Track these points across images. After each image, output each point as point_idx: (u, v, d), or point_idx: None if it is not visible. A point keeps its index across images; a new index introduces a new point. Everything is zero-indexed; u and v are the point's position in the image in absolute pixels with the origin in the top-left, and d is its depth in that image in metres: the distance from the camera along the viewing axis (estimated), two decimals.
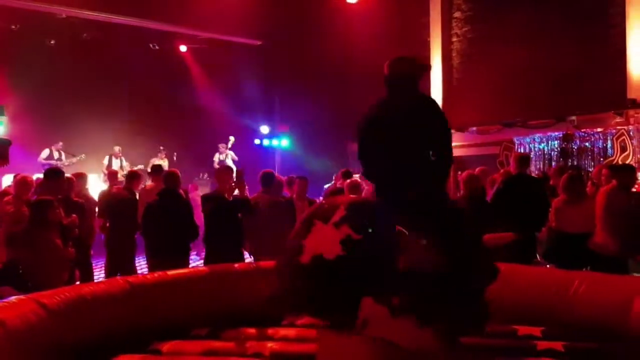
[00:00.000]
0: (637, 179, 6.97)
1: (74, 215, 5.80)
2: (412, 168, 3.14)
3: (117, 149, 14.08)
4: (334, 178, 11.37)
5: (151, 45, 16.19)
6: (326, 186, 8.37)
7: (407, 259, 2.78)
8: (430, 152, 3.21)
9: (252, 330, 4.66)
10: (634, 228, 5.94)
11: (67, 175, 7.01)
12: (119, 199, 7.42)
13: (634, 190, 7.15)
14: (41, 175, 7.18)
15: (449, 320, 2.79)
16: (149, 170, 10.12)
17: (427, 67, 3.59)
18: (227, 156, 15.21)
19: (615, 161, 10.43)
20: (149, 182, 8.96)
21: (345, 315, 2.78)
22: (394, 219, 2.92)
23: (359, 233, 2.82)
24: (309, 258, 2.85)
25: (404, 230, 2.86)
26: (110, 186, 8.33)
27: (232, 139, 15.98)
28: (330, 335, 3.03)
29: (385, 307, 2.72)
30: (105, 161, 13.75)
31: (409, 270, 2.77)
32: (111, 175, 8.95)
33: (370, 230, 2.82)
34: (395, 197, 3.10)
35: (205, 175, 14.72)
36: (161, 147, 14.79)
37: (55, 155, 13.40)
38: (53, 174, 6.49)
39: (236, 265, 5.63)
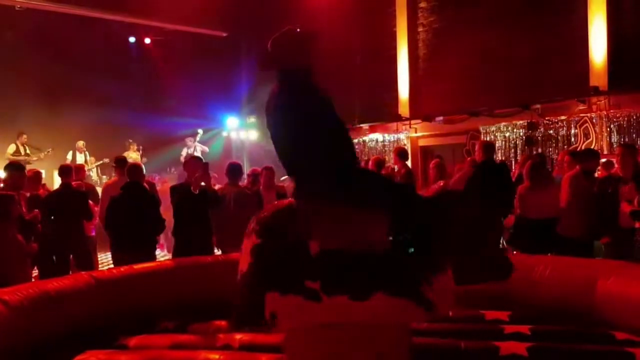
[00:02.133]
0: (599, 164, 7.10)
1: (36, 210, 5.69)
2: (312, 163, 3.06)
3: (80, 143, 13.84)
4: None
5: (114, 38, 15.92)
6: (282, 178, 8.34)
7: (323, 243, 2.80)
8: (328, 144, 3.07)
9: (221, 323, 4.63)
10: (598, 212, 6.07)
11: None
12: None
13: (597, 175, 7.33)
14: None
15: (392, 289, 2.78)
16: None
17: (312, 36, 3.19)
18: (195, 149, 15.08)
19: (579, 148, 10.60)
20: (114, 176, 8.83)
21: (255, 316, 2.83)
22: (308, 211, 2.92)
23: (260, 238, 2.87)
24: (238, 278, 2.92)
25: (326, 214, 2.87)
26: (72, 180, 8.17)
27: (200, 131, 15.84)
28: (295, 330, 3.02)
29: (297, 296, 2.75)
30: (69, 156, 13.50)
31: (324, 254, 2.78)
32: (77, 170, 8.79)
33: (274, 232, 2.88)
34: (308, 191, 3.07)
35: (173, 169, 14.58)
36: (130, 140, 14.59)
37: (22, 150, 13.10)
38: (14, 168, 6.36)
39: (202, 258, 5.59)
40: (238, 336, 4.23)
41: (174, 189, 6.47)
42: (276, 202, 3.42)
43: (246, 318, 2.92)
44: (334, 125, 3.04)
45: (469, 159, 8.70)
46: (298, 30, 3.10)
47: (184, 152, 15.03)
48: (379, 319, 2.83)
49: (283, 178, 8.47)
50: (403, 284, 2.78)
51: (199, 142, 15.55)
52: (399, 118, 14.16)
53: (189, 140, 15.41)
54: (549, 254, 6.08)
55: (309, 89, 3.03)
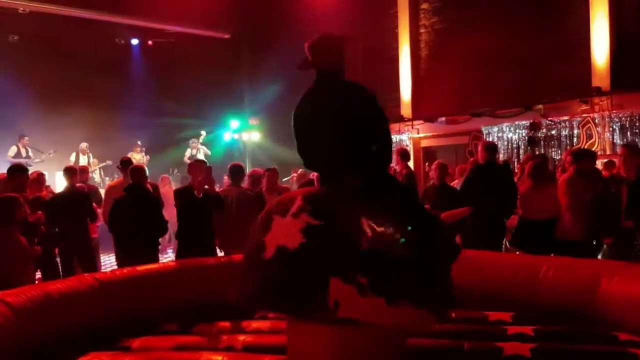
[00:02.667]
0: (594, 163, 7.01)
1: (39, 212, 5.69)
2: (347, 158, 3.09)
3: (83, 145, 13.86)
4: (292, 172, 11.42)
5: (117, 40, 15.95)
6: (285, 179, 8.35)
7: (368, 240, 2.80)
8: (368, 141, 3.14)
9: (224, 324, 4.64)
10: (599, 212, 6.03)
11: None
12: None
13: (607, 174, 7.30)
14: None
15: (416, 299, 2.80)
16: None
17: (346, 40, 3.41)
18: (199, 151, 15.10)
19: (585, 148, 10.58)
20: (116, 177, 8.85)
21: (316, 300, 2.76)
22: (346, 205, 2.93)
23: (317, 219, 2.82)
24: (272, 252, 2.85)
25: (361, 214, 2.88)
26: (77, 182, 8.18)
27: (203, 133, 15.86)
28: (299, 326, 3.01)
29: (354, 286, 2.72)
30: (72, 158, 13.51)
31: (371, 251, 2.78)
32: (81, 171, 8.82)
33: (328, 215, 2.85)
34: (336, 186, 3.08)
35: (176, 171, 14.59)
36: (138, 142, 14.60)
37: (23, 152, 13.14)
38: (17, 170, 6.36)
39: (205, 259, 5.59)
40: (241, 337, 4.24)
41: (177, 193, 6.48)
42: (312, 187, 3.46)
43: (308, 303, 2.83)
44: (366, 123, 3.12)
45: (471, 159, 8.69)
46: (333, 34, 3.35)
47: (188, 154, 15.05)
48: (399, 325, 2.86)
49: (285, 179, 8.50)
50: (426, 295, 2.83)
51: (201, 143, 15.57)
52: (401, 119, 14.14)
53: (192, 142, 15.42)
54: (551, 255, 6.07)
55: (346, 87, 3.22)
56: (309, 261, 2.78)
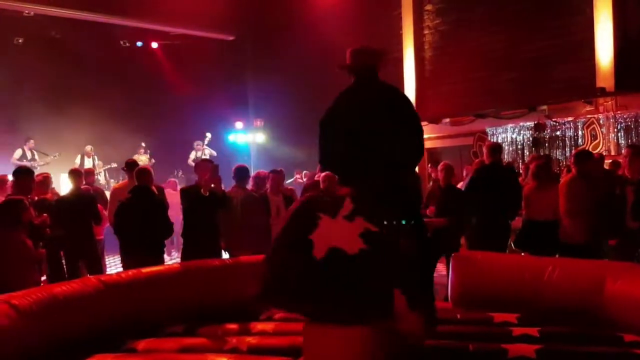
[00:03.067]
0: (595, 165, 6.95)
1: (44, 214, 5.71)
2: (381, 157, 3.14)
3: (88, 147, 13.90)
4: (295, 173, 11.45)
5: (122, 42, 15.99)
6: (288, 181, 8.36)
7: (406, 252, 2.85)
8: (400, 141, 3.22)
9: (229, 326, 4.64)
10: (599, 214, 5.99)
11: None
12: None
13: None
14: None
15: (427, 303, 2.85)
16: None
17: (384, 56, 3.60)
18: (203, 153, 15.12)
19: (587, 149, 10.55)
20: (122, 179, 8.87)
21: (382, 310, 2.78)
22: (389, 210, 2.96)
23: (375, 225, 2.82)
24: (324, 252, 2.79)
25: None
26: (83, 184, 8.21)
27: (208, 135, 15.88)
28: (317, 329, 3.00)
29: (407, 299, 2.77)
30: (77, 160, 13.55)
31: (408, 262, 2.82)
32: (88, 174, 8.86)
33: (386, 222, 2.86)
34: (365, 185, 3.09)
35: (180, 173, 14.62)
36: (142, 144, 14.63)
37: (29, 155, 13.20)
38: (23, 173, 6.38)
39: (210, 261, 5.60)
40: (247, 339, 4.25)
41: (184, 192, 6.49)
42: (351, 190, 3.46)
43: (373, 312, 2.82)
44: (410, 119, 3.33)
45: (477, 160, 8.69)
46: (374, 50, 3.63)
47: (192, 156, 15.07)
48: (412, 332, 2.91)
49: (289, 181, 8.51)
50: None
51: (207, 145, 15.59)
52: None
53: (196, 144, 15.44)
54: (556, 255, 6.06)
55: (387, 86, 3.47)
56: (374, 269, 2.76)
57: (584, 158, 6.34)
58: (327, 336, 2.99)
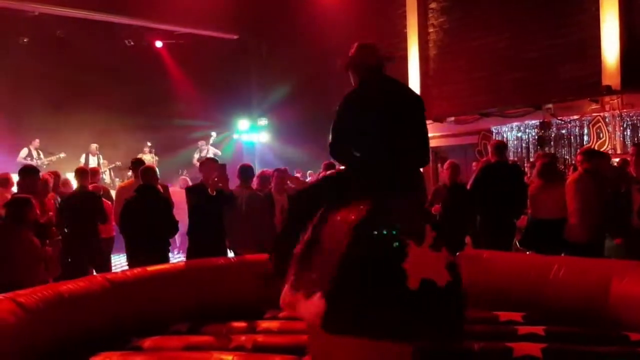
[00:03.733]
0: (602, 163, 6.91)
1: (50, 213, 5.72)
2: (407, 157, 3.14)
3: (93, 146, 13.95)
4: (295, 172, 11.44)
5: (126, 42, 16.01)
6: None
7: None
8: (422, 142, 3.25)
9: (234, 324, 4.65)
10: (609, 212, 5.98)
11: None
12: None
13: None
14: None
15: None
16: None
17: (393, 59, 3.59)
18: (208, 152, 15.14)
19: (593, 147, 10.52)
20: (127, 178, 8.88)
21: (459, 334, 2.88)
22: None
23: (453, 255, 2.86)
24: (417, 284, 2.73)
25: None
26: (88, 183, 8.23)
27: (213, 134, 15.89)
28: (323, 336, 2.99)
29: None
30: (82, 159, 13.60)
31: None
32: (93, 173, 8.87)
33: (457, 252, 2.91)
34: (394, 185, 3.07)
35: (185, 172, 14.64)
36: (148, 143, 14.66)
37: (34, 154, 13.25)
38: (28, 172, 6.40)
39: (215, 259, 5.61)
40: (252, 337, 4.25)
41: (190, 190, 6.50)
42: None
43: (453, 337, 2.94)
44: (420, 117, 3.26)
45: (483, 159, 8.67)
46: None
47: (197, 155, 15.09)
48: None
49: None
50: None
51: (211, 145, 15.60)
52: None
53: (201, 143, 15.46)
54: (562, 254, 6.04)
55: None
56: (457, 298, 2.82)
57: (591, 156, 6.32)
58: (329, 343, 2.99)
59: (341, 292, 2.77)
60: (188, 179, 11.78)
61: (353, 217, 2.91)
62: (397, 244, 2.76)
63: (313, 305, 2.82)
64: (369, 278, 2.74)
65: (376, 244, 2.79)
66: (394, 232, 2.79)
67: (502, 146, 7.20)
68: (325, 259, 2.90)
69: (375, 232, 2.81)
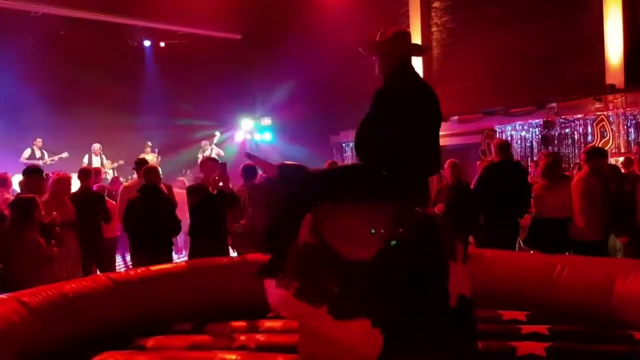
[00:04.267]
0: (606, 162, 6.91)
1: (54, 213, 5.73)
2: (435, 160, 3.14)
3: (96, 146, 13.95)
4: None
5: (129, 42, 16.03)
6: None
7: None
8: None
9: (237, 324, 4.65)
10: (613, 210, 5.97)
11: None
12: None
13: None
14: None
15: None
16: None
17: (427, 50, 3.52)
18: (211, 152, 15.15)
19: (597, 146, 10.50)
20: (130, 178, 8.89)
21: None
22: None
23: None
24: (455, 301, 2.75)
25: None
26: (92, 184, 8.24)
27: (217, 134, 15.90)
28: (311, 327, 2.99)
29: None
30: (85, 159, 13.61)
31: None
32: (95, 173, 8.88)
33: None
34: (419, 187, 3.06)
35: (189, 172, 14.65)
36: (149, 143, 14.68)
37: (37, 154, 13.28)
38: (33, 172, 6.40)
39: (218, 259, 5.61)
40: (255, 337, 4.25)
41: (191, 190, 6.50)
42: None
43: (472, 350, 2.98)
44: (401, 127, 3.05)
45: (487, 159, 8.65)
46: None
47: (200, 155, 15.10)
48: None
49: None
50: None
51: (215, 144, 15.60)
52: None
53: (204, 143, 15.46)
54: (566, 253, 6.03)
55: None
56: (474, 308, 2.88)
57: (595, 155, 6.30)
58: (318, 332, 2.98)
59: (395, 323, 2.70)
60: (185, 180, 11.79)
61: (396, 229, 2.81)
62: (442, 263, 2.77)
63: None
64: (420, 304, 2.72)
65: (425, 265, 2.76)
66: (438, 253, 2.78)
67: (505, 145, 7.18)
68: (351, 271, 2.78)
69: (424, 252, 2.77)
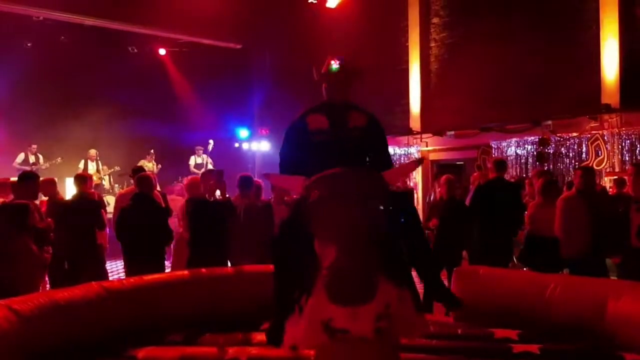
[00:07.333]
0: (594, 181, 6.85)
1: (49, 219, 5.72)
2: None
3: (92, 152, 13.93)
4: None
5: (130, 49, 16.04)
6: None
7: None
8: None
9: (230, 335, 4.63)
10: (599, 230, 5.94)
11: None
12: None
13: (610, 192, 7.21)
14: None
15: None
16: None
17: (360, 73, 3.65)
18: (204, 160, 15.14)
19: (591, 165, 10.55)
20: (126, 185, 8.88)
21: None
22: None
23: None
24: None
25: None
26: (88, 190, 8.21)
27: (211, 142, 15.90)
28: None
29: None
30: (81, 165, 13.59)
31: None
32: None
33: None
34: None
35: (182, 179, 14.61)
36: (151, 151, 14.64)
37: (31, 159, 13.25)
38: (27, 177, 6.37)
39: (212, 269, 5.58)
40: (247, 349, 4.24)
41: (189, 200, 6.50)
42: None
43: None
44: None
45: (476, 174, 8.68)
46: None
47: (192, 161, 15.08)
48: None
49: None
50: None
51: (209, 153, 15.59)
52: (410, 132, 14.16)
53: (197, 149, 15.44)
54: (560, 272, 6.03)
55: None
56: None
57: (584, 174, 6.31)
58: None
59: None
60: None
61: None
62: None
63: None
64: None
65: None
66: None
67: (501, 163, 7.22)
68: None
69: None
